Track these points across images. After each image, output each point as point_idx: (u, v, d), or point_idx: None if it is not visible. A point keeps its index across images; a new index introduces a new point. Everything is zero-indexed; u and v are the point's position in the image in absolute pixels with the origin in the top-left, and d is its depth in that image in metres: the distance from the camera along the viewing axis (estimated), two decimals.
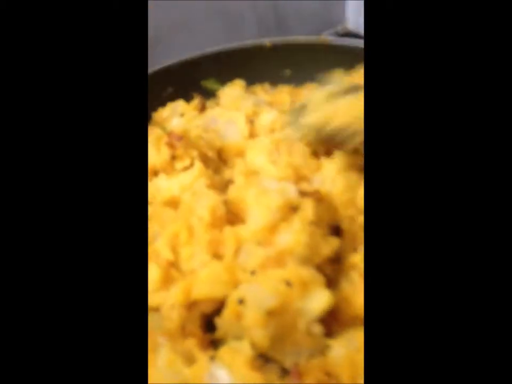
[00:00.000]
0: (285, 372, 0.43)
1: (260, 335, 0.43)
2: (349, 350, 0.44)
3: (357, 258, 0.51)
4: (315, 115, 0.54)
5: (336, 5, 1.22)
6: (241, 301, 0.44)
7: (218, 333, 0.46)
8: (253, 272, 0.47)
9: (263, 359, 0.44)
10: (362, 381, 0.41)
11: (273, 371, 0.43)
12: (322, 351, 0.45)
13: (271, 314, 0.43)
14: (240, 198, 0.52)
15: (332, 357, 0.44)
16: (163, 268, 0.50)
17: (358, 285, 0.49)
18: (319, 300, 0.46)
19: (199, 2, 0.97)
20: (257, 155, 0.56)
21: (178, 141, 0.57)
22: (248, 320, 0.43)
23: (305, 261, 0.48)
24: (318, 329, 0.45)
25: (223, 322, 0.46)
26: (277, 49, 0.83)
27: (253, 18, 1.15)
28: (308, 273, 0.46)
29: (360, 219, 0.54)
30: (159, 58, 0.98)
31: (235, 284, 0.47)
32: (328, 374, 0.43)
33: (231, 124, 0.66)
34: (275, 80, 0.83)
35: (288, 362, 0.44)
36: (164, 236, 0.51)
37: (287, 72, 0.85)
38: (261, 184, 0.50)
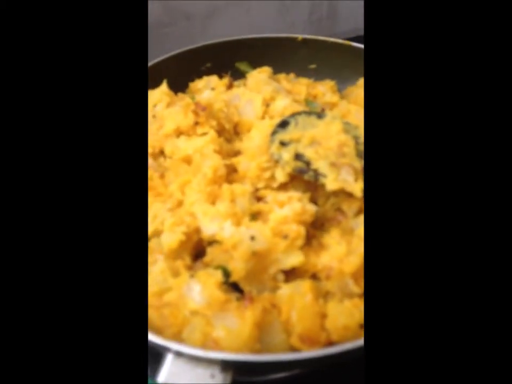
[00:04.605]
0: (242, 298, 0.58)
1: (239, 267, 0.57)
2: (293, 292, 0.58)
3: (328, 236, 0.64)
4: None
5: None
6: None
7: (206, 259, 0.61)
8: (253, 216, 0.61)
9: (232, 287, 0.59)
10: (296, 313, 0.56)
11: (233, 295, 0.57)
12: (275, 289, 0.59)
13: (256, 254, 0.58)
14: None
15: (279, 294, 0.58)
16: (173, 206, 0.65)
17: (321, 254, 0.62)
18: (294, 259, 0.60)
19: None
20: (257, 134, 0.70)
21: (202, 110, 0.71)
22: (237, 253, 0.57)
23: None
24: (281, 277, 0.60)
25: (214, 250, 0.60)
26: (306, 44, 0.95)
27: (307, 4, 1.25)
28: (298, 231, 0.59)
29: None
30: (211, 29, 1.10)
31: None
32: (273, 305, 0.57)
33: (250, 103, 0.79)
34: (301, 71, 0.94)
35: (252, 293, 0.59)
36: (176, 182, 0.66)
37: (312, 66, 0.97)
38: None
